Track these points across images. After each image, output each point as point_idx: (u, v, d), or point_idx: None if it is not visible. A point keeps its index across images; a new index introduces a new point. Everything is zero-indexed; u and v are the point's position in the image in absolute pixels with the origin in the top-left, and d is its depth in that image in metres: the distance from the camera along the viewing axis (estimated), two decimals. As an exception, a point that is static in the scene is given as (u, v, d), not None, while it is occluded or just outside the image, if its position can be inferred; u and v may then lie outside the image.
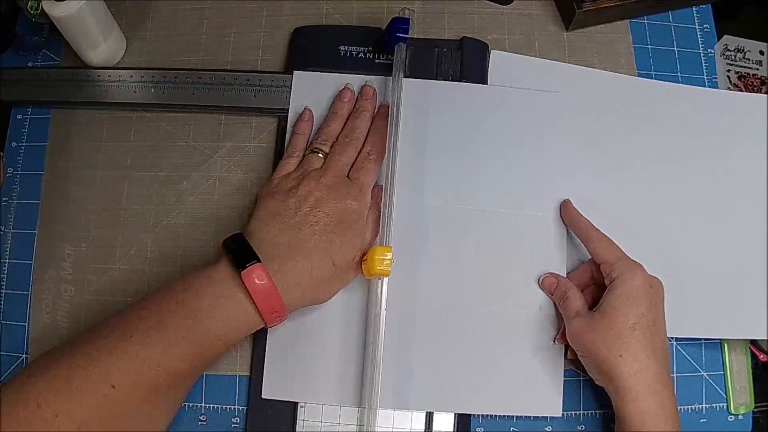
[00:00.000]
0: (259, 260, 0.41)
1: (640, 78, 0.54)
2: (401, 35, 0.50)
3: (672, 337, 0.49)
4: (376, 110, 0.51)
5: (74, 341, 0.39)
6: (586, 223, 0.47)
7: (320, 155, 0.47)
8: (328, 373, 0.46)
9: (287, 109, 0.51)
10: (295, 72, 0.52)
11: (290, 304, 0.42)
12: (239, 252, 0.41)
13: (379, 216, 0.47)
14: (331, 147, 0.48)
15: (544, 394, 0.47)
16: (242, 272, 0.40)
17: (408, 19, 0.50)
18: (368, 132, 0.49)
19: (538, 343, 0.47)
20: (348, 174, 0.47)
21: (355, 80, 0.51)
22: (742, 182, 0.52)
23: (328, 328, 0.47)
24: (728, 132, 0.53)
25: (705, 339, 0.50)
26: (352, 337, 0.47)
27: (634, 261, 0.45)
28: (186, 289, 0.40)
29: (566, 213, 0.49)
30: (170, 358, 0.39)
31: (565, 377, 0.48)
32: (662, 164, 0.52)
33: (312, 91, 0.51)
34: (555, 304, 0.48)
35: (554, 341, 0.47)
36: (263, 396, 0.46)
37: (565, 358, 0.47)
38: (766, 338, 0.49)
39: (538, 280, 0.48)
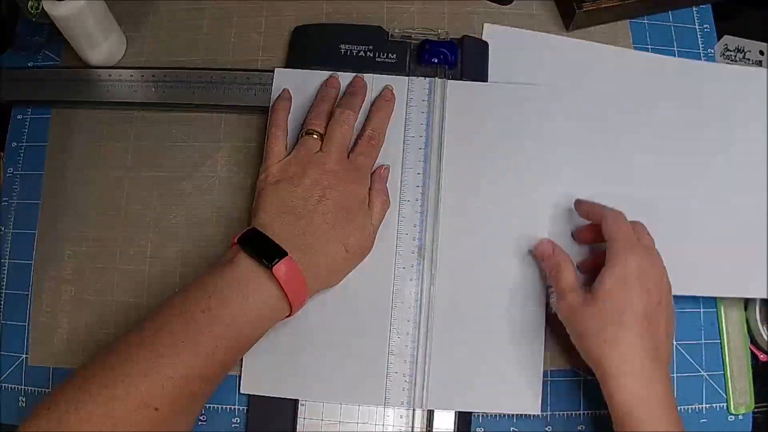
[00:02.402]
0: (287, 254, 0.41)
1: (640, 52, 0.55)
2: (439, 60, 0.51)
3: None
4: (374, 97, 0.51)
5: (99, 367, 0.38)
6: (598, 207, 0.46)
7: (315, 136, 0.47)
8: (311, 368, 0.46)
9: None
10: (276, 69, 0.52)
11: (309, 292, 0.43)
12: (263, 248, 0.41)
13: (386, 200, 0.47)
14: (326, 127, 0.48)
15: (523, 391, 0.47)
16: (273, 268, 0.40)
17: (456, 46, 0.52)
18: (369, 113, 0.49)
19: (517, 340, 0.47)
20: (348, 154, 0.47)
21: (341, 76, 0.51)
22: (742, 148, 0.52)
23: (311, 323, 0.47)
24: (728, 103, 0.53)
25: (703, 298, 0.50)
26: (339, 332, 0.47)
27: (633, 243, 0.43)
28: (209, 295, 0.40)
29: (580, 208, 0.48)
30: (205, 368, 0.39)
31: (565, 377, 0.48)
32: (664, 132, 0.52)
33: (294, 89, 0.51)
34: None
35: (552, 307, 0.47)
36: (241, 391, 0.46)
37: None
38: (765, 296, 0.49)
39: (532, 247, 0.47)
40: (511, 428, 0.47)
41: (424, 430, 0.46)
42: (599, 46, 0.54)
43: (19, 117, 0.54)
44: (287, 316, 0.43)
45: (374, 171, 0.48)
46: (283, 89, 0.51)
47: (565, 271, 0.45)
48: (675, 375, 0.49)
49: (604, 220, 0.44)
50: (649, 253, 0.43)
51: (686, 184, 0.51)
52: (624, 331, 0.41)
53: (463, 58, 0.52)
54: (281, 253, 0.41)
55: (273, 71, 0.52)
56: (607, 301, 0.41)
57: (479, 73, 0.52)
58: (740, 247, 0.50)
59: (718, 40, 0.56)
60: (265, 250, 0.41)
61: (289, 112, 0.50)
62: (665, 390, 0.41)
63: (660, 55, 0.55)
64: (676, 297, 0.48)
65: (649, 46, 0.55)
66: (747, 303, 0.51)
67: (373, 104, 0.50)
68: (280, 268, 0.40)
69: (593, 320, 0.42)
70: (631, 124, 0.53)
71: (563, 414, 0.47)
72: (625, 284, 0.41)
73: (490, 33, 0.54)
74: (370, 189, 0.47)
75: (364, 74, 0.51)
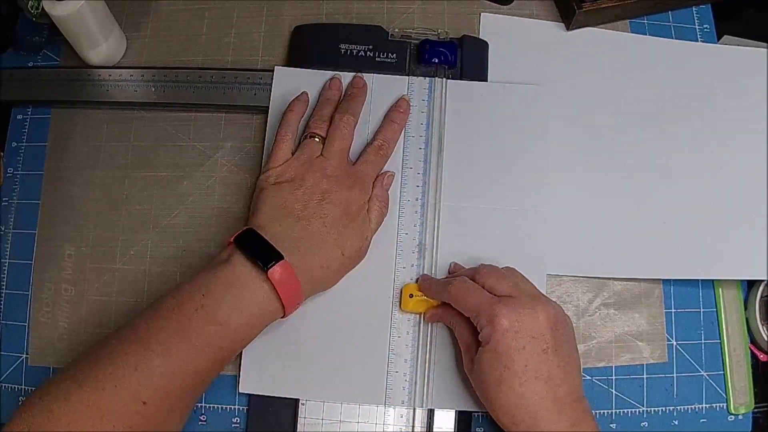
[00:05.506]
0: (282, 257, 0.41)
1: (639, 35, 0.55)
2: (439, 60, 0.51)
3: (672, 336, 0.49)
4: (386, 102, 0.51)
5: (91, 360, 0.38)
6: (440, 285, 0.45)
7: (317, 140, 0.47)
8: (311, 368, 0.46)
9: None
10: (276, 68, 0.52)
11: (303, 295, 0.43)
12: (260, 250, 0.41)
13: (384, 207, 0.47)
14: (327, 131, 0.48)
15: None
16: (268, 271, 0.40)
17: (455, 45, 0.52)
18: (383, 123, 0.50)
19: None
20: (354, 161, 0.48)
21: (342, 76, 0.51)
22: (743, 131, 0.53)
23: (312, 322, 0.47)
24: (729, 84, 0.54)
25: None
26: (340, 331, 0.47)
27: (491, 308, 0.40)
28: (203, 294, 0.40)
29: (423, 283, 0.47)
30: (197, 365, 0.39)
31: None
32: (664, 118, 0.53)
33: (294, 88, 0.51)
34: None
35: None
36: (240, 390, 0.46)
37: None
38: (765, 278, 0.49)
39: (423, 316, 0.47)
40: (511, 428, 0.47)
41: (424, 429, 0.46)
42: (597, 31, 0.55)
43: (19, 117, 0.54)
44: (281, 317, 0.43)
45: (377, 177, 0.48)
46: (303, 92, 0.51)
47: (458, 329, 0.44)
48: (675, 375, 0.49)
49: (450, 300, 0.43)
50: (513, 305, 0.41)
51: (686, 170, 0.51)
52: (511, 394, 0.39)
53: (463, 58, 0.52)
54: (277, 256, 0.41)
55: (273, 71, 0.52)
56: (489, 374, 0.40)
57: (479, 73, 0.52)
58: (741, 230, 0.50)
59: (718, 40, 0.56)
60: (260, 252, 0.41)
61: (302, 116, 0.50)
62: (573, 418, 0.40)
63: (660, 38, 0.55)
64: (677, 282, 0.49)
65: (649, 46, 0.55)
66: (747, 303, 0.51)
67: (387, 114, 0.50)
68: (276, 271, 0.40)
69: (482, 384, 0.41)
70: (631, 113, 0.53)
71: (563, 414, 0.47)
72: (499, 356, 0.40)
73: (488, 24, 0.54)
74: (370, 195, 0.47)
75: (364, 74, 0.51)
